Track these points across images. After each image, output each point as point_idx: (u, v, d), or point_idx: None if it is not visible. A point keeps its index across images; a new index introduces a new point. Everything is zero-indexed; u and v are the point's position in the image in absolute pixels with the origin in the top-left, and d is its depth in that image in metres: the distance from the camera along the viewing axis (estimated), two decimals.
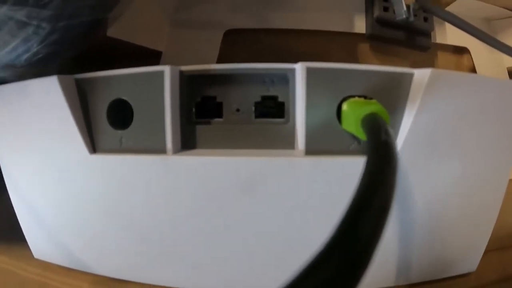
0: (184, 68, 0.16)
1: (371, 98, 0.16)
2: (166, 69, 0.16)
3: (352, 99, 0.15)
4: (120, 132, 0.17)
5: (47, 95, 0.17)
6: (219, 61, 0.23)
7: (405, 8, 0.21)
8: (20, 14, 0.16)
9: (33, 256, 0.21)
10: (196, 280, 0.18)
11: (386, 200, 0.09)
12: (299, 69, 0.16)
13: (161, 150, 0.16)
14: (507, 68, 0.28)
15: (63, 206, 0.19)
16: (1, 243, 0.23)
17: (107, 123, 0.17)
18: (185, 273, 0.18)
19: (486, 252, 0.19)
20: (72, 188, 0.18)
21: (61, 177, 0.18)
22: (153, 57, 0.24)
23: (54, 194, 0.19)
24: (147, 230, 0.18)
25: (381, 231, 0.08)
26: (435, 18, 0.25)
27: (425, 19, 0.24)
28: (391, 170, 0.10)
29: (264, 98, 0.16)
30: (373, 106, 0.14)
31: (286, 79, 0.16)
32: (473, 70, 0.27)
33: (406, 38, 0.24)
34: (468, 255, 0.19)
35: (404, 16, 0.22)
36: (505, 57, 0.27)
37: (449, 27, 0.26)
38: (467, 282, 0.20)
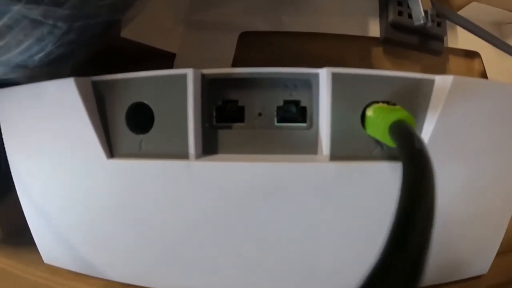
0: (206, 71, 0.16)
1: (394, 104, 0.16)
2: (189, 72, 0.15)
3: (376, 105, 0.15)
4: (140, 136, 0.16)
5: (63, 97, 0.17)
6: (234, 63, 0.23)
7: (423, 13, 0.21)
8: (35, 12, 0.16)
9: (41, 260, 0.21)
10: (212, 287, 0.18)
11: (430, 213, 0.09)
12: (324, 74, 0.15)
13: (183, 155, 0.16)
14: None
15: (75, 211, 0.18)
16: (9, 247, 0.22)
17: (126, 127, 0.16)
18: (204, 281, 0.18)
19: (499, 254, 0.19)
20: (87, 193, 0.18)
21: (76, 182, 0.18)
22: (166, 59, 0.23)
23: (68, 200, 0.18)
24: (165, 236, 0.18)
25: (429, 245, 0.08)
26: (447, 22, 0.25)
27: (438, 24, 0.24)
28: (431, 180, 0.10)
29: (286, 102, 0.16)
30: (400, 113, 0.14)
31: (309, 83, 0.16)
32: (483, 74, 0.27)
33: (420, 43, 0.24)
34: (480, 257, 0.19)
35: (422, 22, 0.22)
36: None
37: (460, 31, 0.26)
38: (479, 284, 0.20)
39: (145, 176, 0.16)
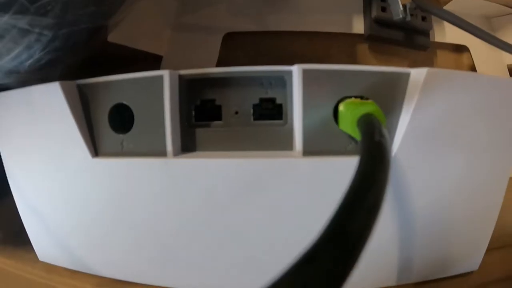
0: (183, 72, 0.16)
1: (367, 99, 0.16)
2: (165, 74, 0.16)
3: (348, 100, 0.15)
4: (121, 136, 0.17)
5: (50, 101, 0.17)
6: (219, 64, 0.23)
7: (401, 7, 0.22)
8: (23, 22, 0.16)
9: (38, 259, 0.21)
10: (198, 281, 0.19)
11: (377, 200, 0.09)
12: (296, 71, 0.16)
13: (162, 153, 0.16)
14: (507, 65, 0.28)
15: (66, 209, 0.19)
16: (7, 247, 0.23)
17: (109, 127, 0.17)
18: (187, 274, 0.19)
19: (489, 250, 0.19)
20: (75, 191, 0.18)
21: (65, 181, 0.18)
22: (154, 62, 0.24)
23: (57, 198, 0.19)
24: (149, 232, 0.18)
25: (371, 230, 0.08)
26: (433, 17, 0.25)
27: (423, 18, 0.24)
28: (383, 170, 0.10)
29: (262, 100, 0.17)
30: (368, 107, 0.14)
31: (283, 81, 0.16)
32: (473, 68, 0.27)
33: (405, 38, 0.24)
34: (470, 254, 0.19)
35: (400, 16, 0.22)
36: (505, 54, 0.27)
37: (448, 25, 0.26)
38: (470, 280, 0.20)
39: (127, 174, 0.17)
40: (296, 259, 0.07)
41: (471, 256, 0.19)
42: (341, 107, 0.15)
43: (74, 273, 0.21)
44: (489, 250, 0.19)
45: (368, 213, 0.08)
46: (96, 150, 0.17)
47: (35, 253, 0.21)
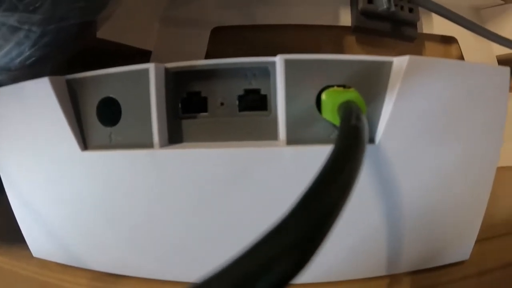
0: (169, 65, 0.17)
1: (350, 87, 0.16)
2: (150, 67, 0.16)
3: (331, 89, 0.16)
4: (109, 128, 0.17)
5: (40, 96, 0.18)
6: (207, 58, 0.23)
7: None
8: (12, 19, 0.17)
9: (32, 255, 0.22)
10: (190, 271, 0.19)
11: (349, 180, 0.09)
12: (278, 61, 0.16)
13: (149, 145, 0.17)
14: (496, 56, 0.28)
15: (58, 204, 0.19)
16: (3, 245, 0.23)
17: (97, 121, 0.17)
18: (179, 265, 0.19)
19: (481, 240, 0.19)
20: (66, 185, 0.19)
21: (55, 175, 0.19)
22: (143, 57, 0.24)
23: (49, 192, 0.19)
24: (138, 224, 0.18)
25: (341, 206, 0.08)
26: (421, 8, 0.25)
27: (410, 10, 0.24)
28: (356, 151, 0.10)
29: (247, 91, 0.17)
30: (349, 94, 0.14)
31: (267, 72, 0.17)
32: (461, 59, 0.27)
33: (392, 29, 0.24)
34: (460, 243, 0.19)
35: (385, 7, 0.22)
36: (494, 45, 0.27)
37: (436, 17, 0.27)
38: (462, 270, 0.20)
39: (115, 166, 0.17)
40: (265, 230, 0.07)
41: (461, 245, 0.19)
42: (323, 96, 0.16)
43: (68, 268, 0.21)
44: (482, 240, 0.19)
45: (338, 190, 0.09)
46: (85, 143, 0.18)
47: (28, 250, 0.22)
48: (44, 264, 0.22)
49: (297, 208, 0.08)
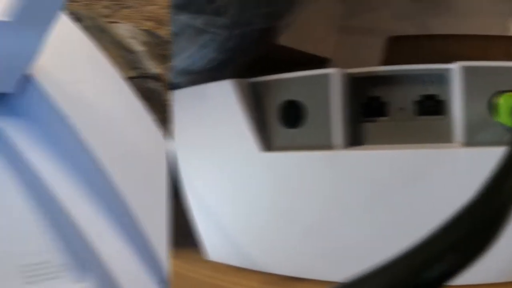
0: (350, 70, 0.18)
1: None
2: (334, 72, 0.18)
3: (507, 93, 0.17)
4: (291, 130, 0.19)
5: (223, 97, 0.20)
6: (384, 65, 0.24)
7: None
8: (198, 21, 0.18)
9: (201, 258, 0.23)
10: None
11: None
12: (456, 68, 0.17)
13: (330, 146, 0.18)
14: None
15: (236, 204, 0.21)
16: (174, 248, 0.26)
17: (278, 123, 0.19)
18: (355, 266, 0.19)
19: None
20: (243, 185, 0.20)
21: (234, 175, 0.20)
22: (320, 64, 0.25)
23: (228, 193, 0.21)
24: (314, 225, 0.19)
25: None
26: None
27: None
28: None
29: (424, 97, 0.18)
30: None
31: (444, 78, 0.18)
32: None
33: None
34: None
35: None
36: None
37: None
38: None
39: (296, 167, 0.19)
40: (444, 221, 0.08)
41: None
42: (501, 100, 0.16)
43: (239, 270, 0.22)
44: None
45: None
46: (266, 144, 0.19)
47: (198, 253, 0.23)
48: (215, 267, 0.23)
49: (473, 202, 0.08)
